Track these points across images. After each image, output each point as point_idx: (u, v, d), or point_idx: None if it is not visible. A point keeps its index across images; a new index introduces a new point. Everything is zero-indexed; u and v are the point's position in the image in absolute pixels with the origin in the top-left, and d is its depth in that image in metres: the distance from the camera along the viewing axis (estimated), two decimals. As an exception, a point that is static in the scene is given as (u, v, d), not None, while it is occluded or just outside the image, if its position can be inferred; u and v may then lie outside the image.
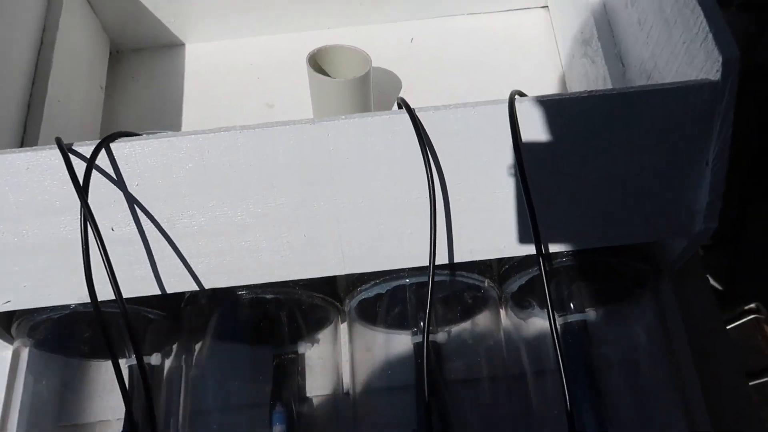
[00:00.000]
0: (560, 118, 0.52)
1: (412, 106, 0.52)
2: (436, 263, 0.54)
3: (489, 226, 0.57)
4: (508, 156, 0.54)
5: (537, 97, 0.51)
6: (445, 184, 0.55)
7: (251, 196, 0.55)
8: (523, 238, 0.57)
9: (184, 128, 0.89)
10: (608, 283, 0.65)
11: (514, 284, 0.63)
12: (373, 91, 0.83)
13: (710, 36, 0.52)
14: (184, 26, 0.93)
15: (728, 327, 1.54)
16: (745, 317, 1.58)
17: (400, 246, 0.57)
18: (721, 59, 0.51)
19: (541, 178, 0.54)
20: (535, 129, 0.52)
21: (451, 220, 0.57)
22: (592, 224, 0.57)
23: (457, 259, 0.58)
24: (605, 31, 0.76)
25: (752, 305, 1.62)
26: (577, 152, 0.53)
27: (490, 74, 0.92)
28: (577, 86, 0.85)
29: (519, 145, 0.51)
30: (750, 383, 1.45)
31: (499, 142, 0.53)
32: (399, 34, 0.97)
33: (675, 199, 0.56)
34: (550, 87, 0.90)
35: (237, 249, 0.57)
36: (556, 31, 0.95)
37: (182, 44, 0.95)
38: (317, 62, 0.78)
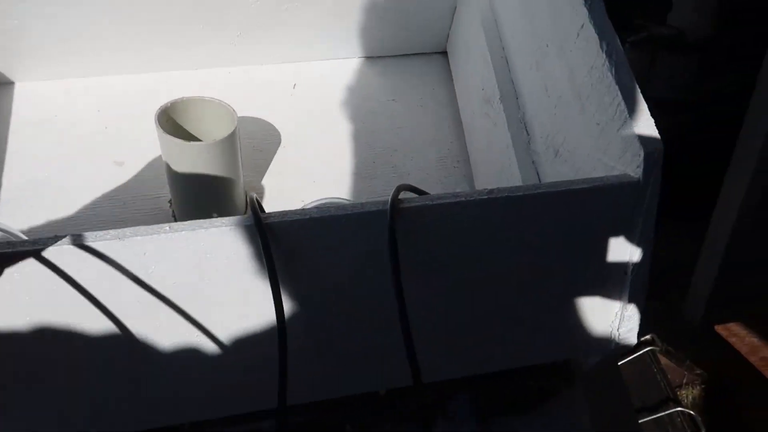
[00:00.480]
0: (452, 223, 0.41)
1: (261, 213, 0.40)
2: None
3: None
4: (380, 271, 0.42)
5: (421, 200, 0.40)
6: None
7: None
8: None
9: (4, 188, 0.71)
10: (514, 396, 0.55)
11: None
12: (245, 146, 0.70)
13: (629, 122, 0.44)
14: (11, 61, 0.76)
15: (623, 361, 1.53)
16: (641, 350, 1.56)
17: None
18: (642, 154, 0.42)
19: (421, 298, 0.43)
20: (419, 239, 0.41)
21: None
22: (482, 351, 0.47)
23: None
24: (508, 92, 0.67)
25: (647, 336, 1.61)
26: (466, 265, 0.43)
27: (384, 123, 0.81)
28: (477, 149, 0.76)
29: (398, 264, 0.39)
30: (647, 418, 1.42)
31: (372, 256, 0.41)
32: (280, 78, 0.85)
33: (587, 315, 0.46)
34: (446, 141, 0.81)
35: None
36: (456, 82, 0.86)
37: (11, 83, 0.78)
38: (171, 117, 0.64)
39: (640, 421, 1.44)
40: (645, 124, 0.43)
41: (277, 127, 0.81)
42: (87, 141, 0.75)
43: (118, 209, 0.71)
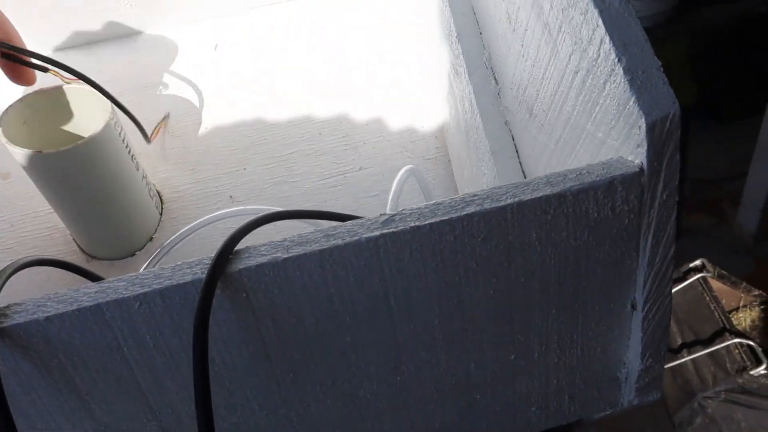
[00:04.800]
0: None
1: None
2: None
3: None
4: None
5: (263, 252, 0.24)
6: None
7: None
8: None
9: None
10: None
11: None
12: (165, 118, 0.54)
13: (619, 70, 0.26)
14: None
15: (674, 290, 1.37)
16: (691, 277, 1.41)
17: None
18: (643, 124, 0.25)
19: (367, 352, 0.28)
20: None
21: None
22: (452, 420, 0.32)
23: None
24: (469, 30, 0.48)
25: (697, 262, 1.45)
26: (421, 310, 0.27)
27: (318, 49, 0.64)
28: (447, 108, 0.58)
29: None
30: (701, 353, 1.29)
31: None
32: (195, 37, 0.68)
33: (581, 369, 0.31)
34: (403, 91, 0.63)
35: None
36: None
37: None
38: (29, 116, 0.49)
39: (692, 357, 1.30)
40: (648, 74, 0.26)
41: (195, 102, 0.65)
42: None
43: (4, 233, 0.58)
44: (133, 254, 0.56)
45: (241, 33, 0.68)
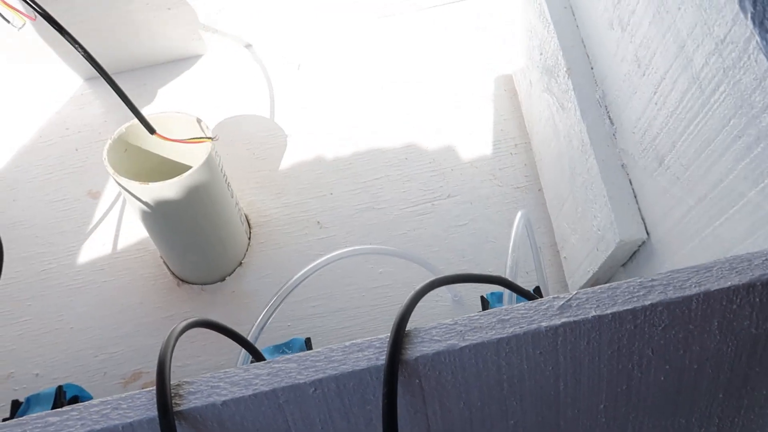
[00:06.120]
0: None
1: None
2: None
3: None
4: None
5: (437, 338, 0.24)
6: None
7: None
8: None
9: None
10: None
11: None
12: (241, 156, 0.54)
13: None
14: None
15: None
16: None
17: None
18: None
19: None
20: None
21: None
22: None
23: None
24: (579, 61, 0.47)
25: None
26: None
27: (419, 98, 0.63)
28: (538, 133, 0.56)
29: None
30: None
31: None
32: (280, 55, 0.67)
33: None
34: (499, 117, 0.62)
35: None
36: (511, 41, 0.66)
37: None
38: (130, 143, 0.49)
39: None
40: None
41: (280, 124, 0.64)
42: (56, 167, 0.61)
43: (96, 254, 0.58)
44: (223, 279, 0.56)
45: (326, 52, 0.68)
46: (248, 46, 0.68)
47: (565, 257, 0.53)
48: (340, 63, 0.67)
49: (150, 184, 0.46)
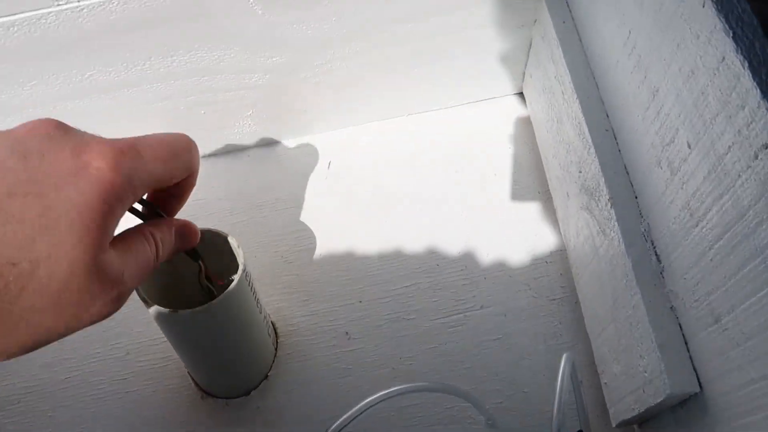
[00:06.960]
0: None
1: None
2: None
3: None
4: None
5: None
6: None
7: None
8: None
9: None
10: None
11: None
12: (269, 260, 0.53)
13: None
14: None
15: None
16: None
17: None
18: None
19: None
20: None
21: None
22: None
23: None
24: (621, 189, 0.45)
25: None
26: None
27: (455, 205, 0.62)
28: (575, 248, 0.54)
29: None
30: None
31: None
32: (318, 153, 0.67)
33: None
34: (532, 221, 0.60)
35: None
36: (537, 135, 0.65)
37: None
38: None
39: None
40: None
41: (308, 224, 0.63)
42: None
43: (119, 362, 0.57)
44: (249, 393, 0.55)
45: (356, 148, 0.67)
46: (276, 143, 0.68)
47: (605, 383, 0.51)
48: (371, 160, 0.66)
49: (179, 312, 0.45)
